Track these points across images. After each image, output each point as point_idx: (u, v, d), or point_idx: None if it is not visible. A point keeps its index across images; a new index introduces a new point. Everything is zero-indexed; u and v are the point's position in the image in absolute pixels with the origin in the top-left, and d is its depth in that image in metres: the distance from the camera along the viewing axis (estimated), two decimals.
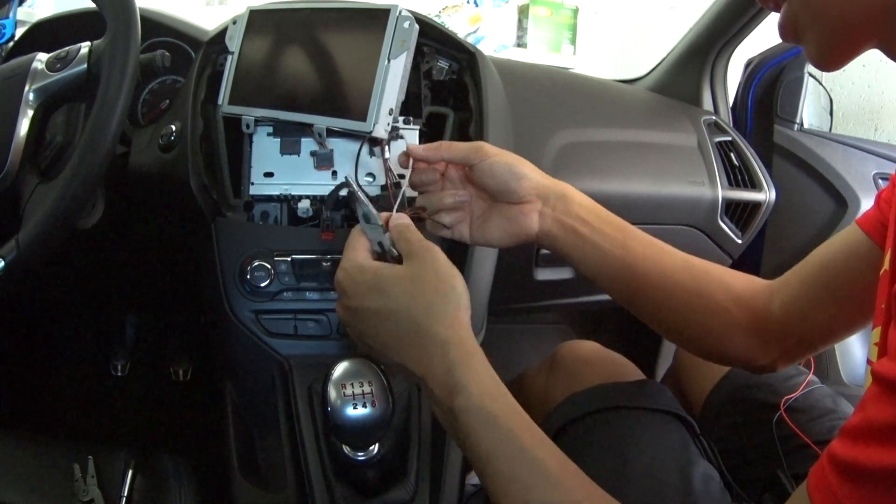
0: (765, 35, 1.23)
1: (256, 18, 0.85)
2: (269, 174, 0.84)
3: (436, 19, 1.33)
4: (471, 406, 0.51)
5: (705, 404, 0.87)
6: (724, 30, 1.21)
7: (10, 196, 0.73)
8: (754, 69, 1.31)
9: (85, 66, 0.72)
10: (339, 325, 0.82)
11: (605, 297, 0.72)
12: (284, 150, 0.84)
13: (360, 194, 0.58)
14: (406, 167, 0.69)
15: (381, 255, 0.60)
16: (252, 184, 0.83)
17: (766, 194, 1.16)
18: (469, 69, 0.90)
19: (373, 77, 0.74)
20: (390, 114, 0.75)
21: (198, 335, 1.43)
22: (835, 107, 1.44)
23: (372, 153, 0.83)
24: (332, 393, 0.63)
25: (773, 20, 0.52)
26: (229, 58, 0.85)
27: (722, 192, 1.12)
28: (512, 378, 0.97)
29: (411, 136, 0.84)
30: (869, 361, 0.51)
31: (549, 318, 1.68)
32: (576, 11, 2.66)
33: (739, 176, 1.16)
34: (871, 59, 0.48)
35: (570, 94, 1.17)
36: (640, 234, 0.70)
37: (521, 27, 2.63)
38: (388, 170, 0.78)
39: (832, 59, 0.46)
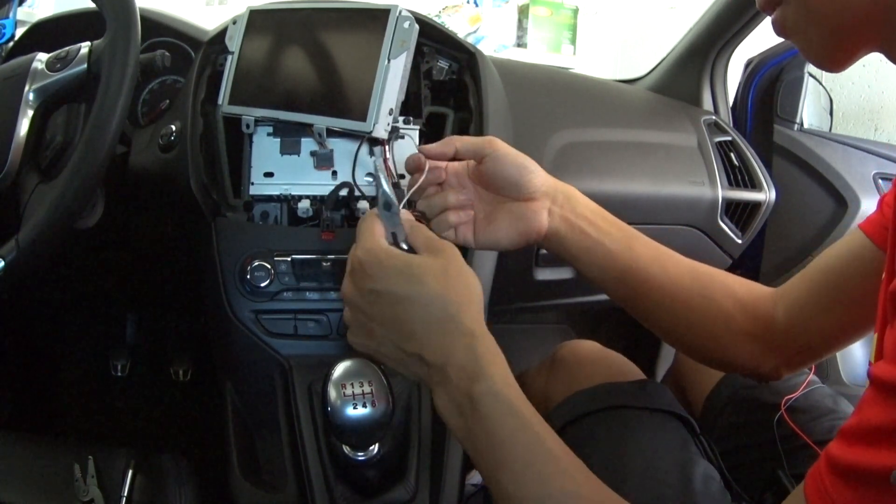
0: (765, 35, 1.23)
1: (256, 18, 0.85)
2: (269, 174, 0.84)
3: (436, 19, 1.33)
4: (495, 391, 0.51)
5: (706, 404, 0.87)
6: (723, 30, 1.21)
7: (10, 196, 0.73)
8: (754, 69, 1.31)
9: (85, 66, 0.72)
10: (339, 325, 0.81)
11: (606, 297, 0.72)
12: (284, 150, 0.84)
13: (384, 181, 0.57)
14: (418, 171, 0.68)
15: (394, 244, 0.59)
16: (252, 184, 0.83)
17: (766, 194, 1.16)
18: (469, 69, 0.91)
19: (373, 77, 0.74)
20: (390, 114, 0.75)
21: (198, 335, 1.42)
22: (835, 107, 1.44)
23: (371, 153, 0.83)
24: (332, 393, 0.63)
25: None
26: (229, 58, 0.85)
27: (722, 192, 1.12)
28: None
29: (411, 136, 0.84)
30: (870, 363, 0.51)
31: (549, 318, 1.68)
32: (576, 11, 2.66)
33: (739, 176, 1.15)
34: (871, 58, 0.48)
35: (570, 94, 1.17)
36: (644, 238, 0.70)
37: (521, 27, 2.63)
38: (388, 170, 0.78)
39: (832, 59, 0.46)
